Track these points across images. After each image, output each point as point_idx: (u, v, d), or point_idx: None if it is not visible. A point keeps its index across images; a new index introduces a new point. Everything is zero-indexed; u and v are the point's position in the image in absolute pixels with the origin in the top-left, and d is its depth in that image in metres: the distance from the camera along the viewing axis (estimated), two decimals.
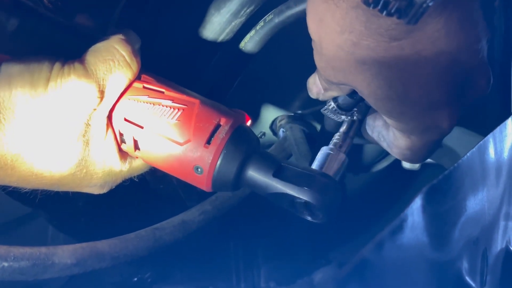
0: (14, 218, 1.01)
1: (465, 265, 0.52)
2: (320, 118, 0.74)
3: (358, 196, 0.76)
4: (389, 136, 0.63)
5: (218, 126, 0.58)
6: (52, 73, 0.58)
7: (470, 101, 0.57)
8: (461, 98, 0.56)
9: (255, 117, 0.90)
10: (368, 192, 0.82)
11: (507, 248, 0.67)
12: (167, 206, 0.92)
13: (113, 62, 0.60)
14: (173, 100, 0.60)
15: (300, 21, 0.76)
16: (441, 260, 0.48)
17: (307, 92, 0.78)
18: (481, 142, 0.55)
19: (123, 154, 0.63)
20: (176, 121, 0.59)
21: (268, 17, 0.75)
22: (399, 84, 0.54)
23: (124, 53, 0.61)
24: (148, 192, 0.94)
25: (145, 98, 0.61)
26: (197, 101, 0.60)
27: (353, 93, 0.64)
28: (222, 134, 0.58)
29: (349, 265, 0.35)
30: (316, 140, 0.86)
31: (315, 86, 0.65)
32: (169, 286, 0.97)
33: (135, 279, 0.92)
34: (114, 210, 0.96)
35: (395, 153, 0.62)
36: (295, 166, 0.58)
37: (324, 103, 0.70)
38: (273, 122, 0.90)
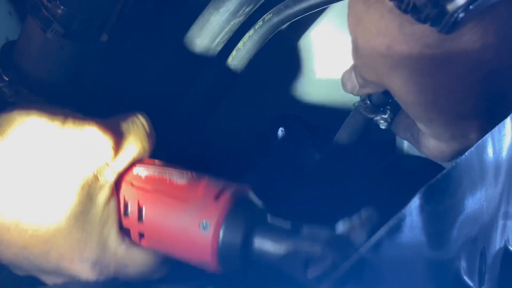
0: None
1: (463, 264, 0.52)
2: (320, 119, 0.74)
3: (357, 195, 0.76)
4: (419, 135, 0.63)
5: (227, 186, 0.57)
6: (72, 115, 0.57)
7: (501, 114, 0.56)
8: (491, 111, 0.56)
9: (254, 116, 0.90)
10: (367, 192, 0.83)
11: (505, 247, 0.68)
12: None
13: (133, 124, 0.60)
14: (183, 169, 0.60)
15: (300, 21, 0.77)
16: (439, 259, 0.49)
17: (307, 92, 0.79)
18: (479, 141, 0.56)
19: (122, 233, 0.59)
20: (186, 181, 0.58)
21: (267, 16, 0.76)
22: (430, 91, 0.54)
23: (144, 123, 0.61)
24: None
25: (155, 166, 0.61)
26: (205, 174, 0.60)
27: (387, 92, 0.65)
28: (231, 191, 0.57)
29: (346, 264, 0.35)
30: (315, 141, 0.86)
31: (350, 82, 0.65)
32: (168, 285, 0.97)
33: None
34: None
35: (424, 152, 0.62)
36: (311, 226, 0.55)
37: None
38: (272, 121, 0.90)
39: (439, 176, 0.47)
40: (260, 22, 0.76)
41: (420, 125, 0.61)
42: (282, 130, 0.87)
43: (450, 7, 0.48)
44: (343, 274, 0.36)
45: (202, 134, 0.91)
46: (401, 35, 0.52)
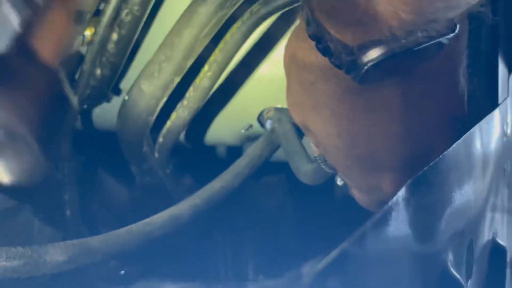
0: None
1: (450, 257, 0.53)
2: None
3: (346, 188, 0.78)
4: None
5: None
6: None
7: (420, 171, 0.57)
8: (408, 168, 0.55)
9: (242, 108, 0.91)
10: None
11: (493, 239, 0.69)
12: (153, 199, 0.94)
13: None
14: None
15: (288, 12, 0.78)
16: (426, 252, 0.50)
17: None
18: (467, 133, 0.57)
19: None
20: None
21: (254, 7, 0.77)
22: (348, 136, 0.54)
23: None
24: (134, 185, 0.95)
25: None
26: None
27: None
28: None
29: (329, 257, 0.36)
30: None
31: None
32: (156, 278, 0.98)
33: (122, 272, 0.93)
34: (100, 203, 0.98)
35: (351, 194, 0.62)
36: None
37: None
38: (261, 113, 0.91)
39: (425, 168, 0.48)
40: (248, 14, 0.77)
41: (340, 174, 0.60)
42: (270, 123, 0.88)
43: (362, 59, 0.47)
44: (326, 266, 0.37)
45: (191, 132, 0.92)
46: (324, 75, 0.51)
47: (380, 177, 0.56)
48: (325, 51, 0.49)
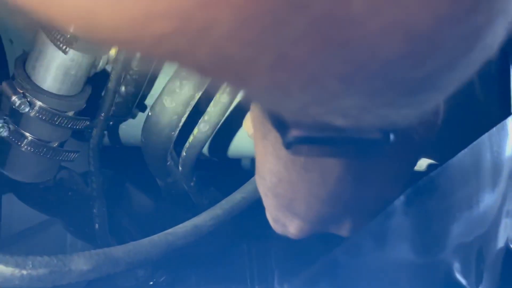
0: (32, 226, 1.07)
1: (457, 265, 0.55)
2: None
3: None
4: None
5: None
6: None
7: (328, 226, 0.59)
8: (320, 222, 0.58)
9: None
10: None
11: (507, 245, 0.71)
12: (178, 211, 0.97)
13: None
14: None
15: None
16: (429, 260, 0.52)
17: None
18: (474, 142, 0.59)
19: None
20: None
21: None
22: (275, 176, 0.55)
23: None
24: (159, 198, 0.99)
25: None
26: None
27: None
28: None
29: (319, 264, 0.38)
30: None
31: None
32: None
33: (151, 282, 0.97)
34: (127, 215, 1.02)
35: None
36: None
37: None
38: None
39: (425, 178, 0.50)
40: None
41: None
42: None
43: (288, 132, 0.44)
44: (314, 273, 0.40)
45: None
46: (263, 130, 0.53)
47: (289, 219, 0.58)
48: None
